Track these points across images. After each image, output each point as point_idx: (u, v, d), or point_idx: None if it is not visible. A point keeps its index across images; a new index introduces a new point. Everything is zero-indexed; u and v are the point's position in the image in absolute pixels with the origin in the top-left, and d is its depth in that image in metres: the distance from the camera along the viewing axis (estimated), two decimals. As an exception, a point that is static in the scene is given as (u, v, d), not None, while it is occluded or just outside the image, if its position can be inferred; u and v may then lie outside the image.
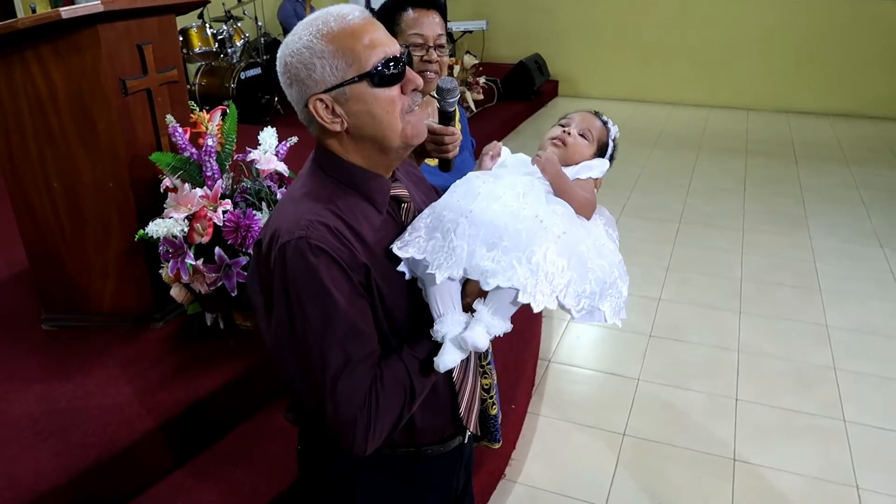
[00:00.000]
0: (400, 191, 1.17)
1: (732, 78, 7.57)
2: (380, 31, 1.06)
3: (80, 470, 1.83)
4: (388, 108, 1.06)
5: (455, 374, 1.23)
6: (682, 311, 3.56)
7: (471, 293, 1.11)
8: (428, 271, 1.06)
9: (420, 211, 1.20)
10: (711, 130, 6.89)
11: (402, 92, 1.07)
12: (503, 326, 1.08)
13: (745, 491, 2.41)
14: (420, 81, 1.09)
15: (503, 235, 1.04)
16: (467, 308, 1.11)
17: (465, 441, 1.36)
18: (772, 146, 6.36)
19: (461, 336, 1.06)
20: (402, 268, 1.09)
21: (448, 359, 1.06)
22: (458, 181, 1.18)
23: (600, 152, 1.34)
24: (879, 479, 2.45)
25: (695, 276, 3.92)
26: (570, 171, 1.25)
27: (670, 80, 7.84)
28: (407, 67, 1.08)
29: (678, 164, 5.88)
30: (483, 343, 1.06)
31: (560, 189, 1.18)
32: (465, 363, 1.26)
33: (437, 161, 1.48)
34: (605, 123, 1.36)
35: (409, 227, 1.12)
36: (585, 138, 1.30)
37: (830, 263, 4.05)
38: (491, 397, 1.95)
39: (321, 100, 1.05)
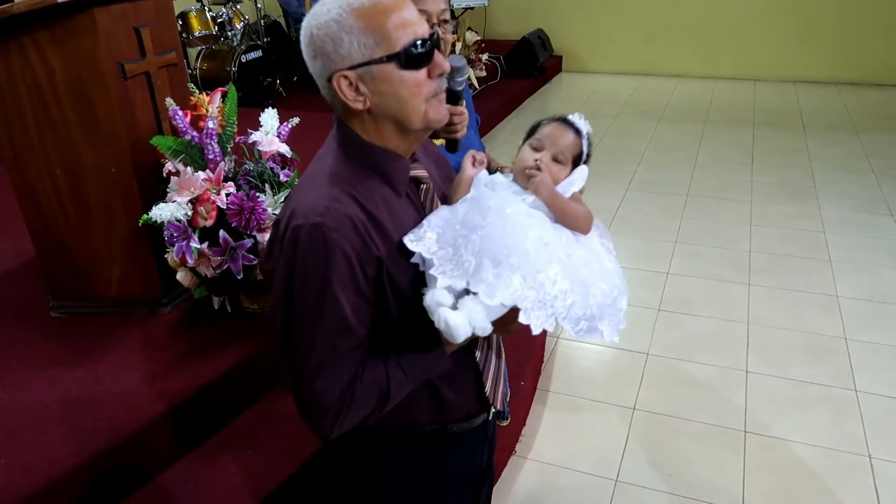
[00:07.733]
0: (419, 172, 1.15)
1: (738, 48, 7.45)
2: (411, 10, 1.04)
3: (92, 455, 1.84)
4: (414, 91, 1.04)
5: (478, 354, 1.24)
6: (691, 285, 3.54)
7: None
8: (431, 272, 1.05)
9: (439, 192, 1.19)
10: (718, 102, 6.81)
11: (429, 76, 1.05)
12: (483, 324, 1.04)
13: (756, 462, 2.41)
14: (447, 66, 1.07)
15: (511, 253, 1.03)
16: None
17: (490, 418, 1.37)
18: (779, 117, 6.28)
19: (446, 319, 1.02)
20: (415, 259, 1.08)
21: (439, 296, 1.04)
22: (468, 196, 1.14)
23: (576, 163, 1.25)
24: (892, 448, 2.44)
25: (703, 249, 3.90)
26: None
27: (675, 52, 7.72)
28: (435, 51, 1.05)
29: (685, 137, 5.82)
30: (459, 330, 1.02)
31: (557, 209, 1.15)
32: (487, 343, 1.26)
33: (443, 140, 1.46)
34: (577, 133, 1.25)
35: (423, 221, 1.10)
36: (559, 161, 1.22)
37: (840, 233, 4.01)
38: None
39: (346, 76, 1.02)
